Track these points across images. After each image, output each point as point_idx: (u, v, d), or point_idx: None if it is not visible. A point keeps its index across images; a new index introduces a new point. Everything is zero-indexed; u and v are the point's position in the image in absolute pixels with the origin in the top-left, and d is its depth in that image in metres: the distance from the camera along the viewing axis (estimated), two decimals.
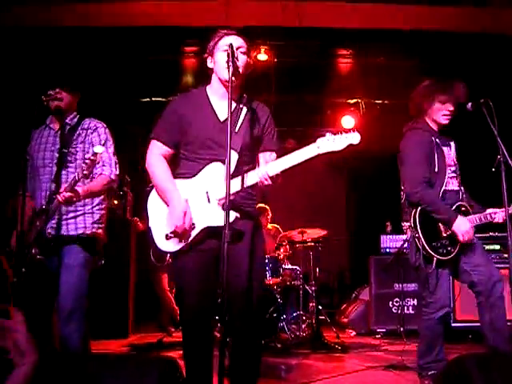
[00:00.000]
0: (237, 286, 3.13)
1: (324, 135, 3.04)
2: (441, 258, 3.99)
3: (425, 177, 4.04)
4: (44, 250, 3.64)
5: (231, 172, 3.06)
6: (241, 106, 3.35)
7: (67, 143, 3.82)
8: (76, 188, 3.55)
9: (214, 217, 3.11)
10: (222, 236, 2.84)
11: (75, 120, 3.96)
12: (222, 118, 3.29)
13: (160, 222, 3.25)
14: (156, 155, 3.34)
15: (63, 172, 3.78)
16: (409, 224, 4.14)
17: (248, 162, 3.30)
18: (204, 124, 3.28)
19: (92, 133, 3.91)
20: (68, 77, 3.99)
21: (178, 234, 3.17)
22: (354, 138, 3.04)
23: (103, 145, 3.86)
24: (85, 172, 3.43)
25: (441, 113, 4.18)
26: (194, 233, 3.18)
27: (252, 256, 3.23)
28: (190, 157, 3.30)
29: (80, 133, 3.89)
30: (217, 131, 3.21)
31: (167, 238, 3.21)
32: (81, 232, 3.81)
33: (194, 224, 3.18)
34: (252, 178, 3.13)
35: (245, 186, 3.14)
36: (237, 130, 3.28)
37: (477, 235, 4.12)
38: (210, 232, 3.14)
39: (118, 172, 3.93)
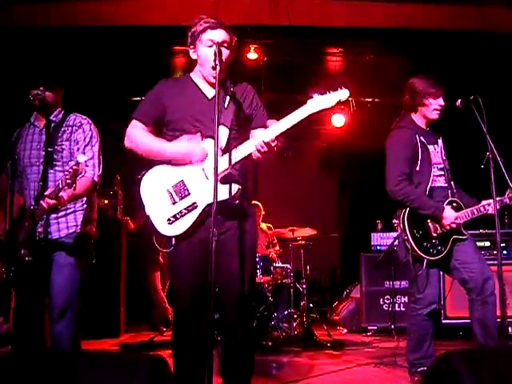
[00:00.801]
0: (227, 277, 3.17)
1: (312, 97, 3.10)
2: (431, 258, 4.01)
3: (404, 173, 4.06)
4: (33, 251, 3.63)
5: (222, 147, 3.13)
6: (226, 85, 3.36)
7: (53, 141, 3.79)
8: (60, 194, 3.51)
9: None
10: (223, 213, 2.97)
11: (60, 116, 3.92)
12: (209, 97, 3.32)
13: (158, 207, 3.23)
14: (135, 129, 3.36)
15: (50, 171, 3.76)
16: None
17: (238, 138, 3.29)
18: (191, 101, 3.31)
19: (77, 130, 3.87)
20: (50, 73, 3.96)
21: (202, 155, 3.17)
22: (343, 94, 3.10)
23: (88, 142, 3.87)
24: (68, 181, 3.37)
25: (432, 108, 4.20)
26: (197, 212, 3.17)
27: (244, 246, 3.24)
28: (178, 136, 3.28)
29: (65, 130, 3.85)
30: (205, 107, 3.22)
31: (169, 221, 3.19)
32: (72, 231, 3.82)
33: (195, 203, 3.17)
34: (246, 148, 3.14)
35: (238, 158, 3.14)
36: (225, 105, 3.27)
37: (468, 232, 4.13)
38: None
39: (100, 172, 3.90)
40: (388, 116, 4.89)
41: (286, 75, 8.52)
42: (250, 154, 3.15)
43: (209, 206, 3.11)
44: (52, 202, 3.48)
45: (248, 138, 3.28)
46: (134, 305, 7.98)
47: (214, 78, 3.05)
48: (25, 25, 7.11)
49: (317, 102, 3.09)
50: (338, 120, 9.24)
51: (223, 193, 3.08)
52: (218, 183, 2.95)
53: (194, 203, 3.17)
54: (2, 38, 7.10)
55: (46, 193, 3.51)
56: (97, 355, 2.22)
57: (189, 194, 3.20)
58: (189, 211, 3.18)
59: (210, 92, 3.33)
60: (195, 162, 3.20)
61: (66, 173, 3.37)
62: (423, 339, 4.11)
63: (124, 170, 7.41)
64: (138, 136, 3.34)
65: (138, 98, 9.00)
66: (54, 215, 3.75)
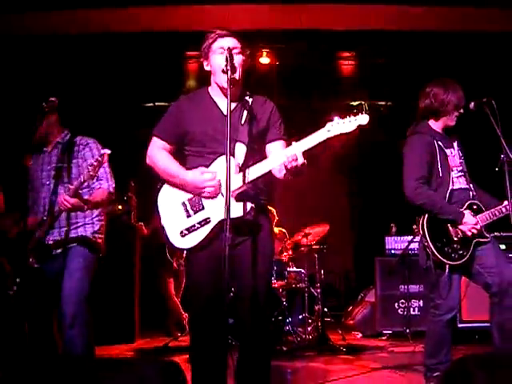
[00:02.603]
0: (244, 285, 3.18)
1: (332, 120, 3.06)
2: (454, 263, 3.95)
3: (423, 177, 4.02)
4: (41, 257, 3.75)
5: (240, 164, 3.13)
6: (245, 99, 3.36)
7: (62, 160, 4.02)
8: (83, 197, 3.74)
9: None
10: (237, 229, 2.95)
11: (67, 138, 4.15)
12: (225, 112, 3.29)
13: (173, 219, 3.25)
14: (157, 149, 3.36)
15: (60, 187, 3.94)
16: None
17: (256, 154, 3.29)
18: (209, 119, 3.30)
19: (84, 148, 4.09)
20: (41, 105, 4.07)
21: (210, 193, 3.16)
22: (363, 119, 3.06)
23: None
24: (91, 173, 3.55)
25: (454, 115, 4.17)
26: (209, 227, 3.17)
27: (260, 254, 3.23)
28: (197, 153, 3.30)
29: (72, 149, 4.07)
30: (222, 125, 3.17)
31: (182, 234, 3.21)
32: (82, 235, 3.95)
33: (209, 218, 3.18)
34: (263, 166, 3.13)
35: (256, 176, 3.13)
36: (242, 122, 3.28)
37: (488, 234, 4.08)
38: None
39: (114, 184, 4.09)
40: (401, 119, 4.87)
41: (299, 79, 8.53)
42: (266, 173, 3.14)
43: (221, 222, 3.12)
44: (71, 200, 3.67)
45: (265, 155, 3.31)
46: (148, 310, 7.99)
47: (225, 89, 3.05)
48: (38, 33, 7.17)
49: (336, 126, 3.05)
50: None
51: (237, 210, 3.06)
52: (233, 200, 2.98)
53: (208, 218, 3.19)
54: (15, 47, 7.17)
55: (64, 191, 3.73)
56: (111, 361, 2.22)
57: (203, 208, 3.21)
58: (201, 226, 3.19)
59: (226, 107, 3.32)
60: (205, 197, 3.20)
61: (89, 167, 3.54)
62: (441, 345, 4.06)
63: (138, 175, 7.45)
64: (157, 157, 3.35)
65: (152, 104, 9.09)
66: (64, 228, 3.90)
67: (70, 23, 7.12)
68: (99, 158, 3.55)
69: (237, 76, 3.17)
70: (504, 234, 6.24)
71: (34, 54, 7.28)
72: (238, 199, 3.10)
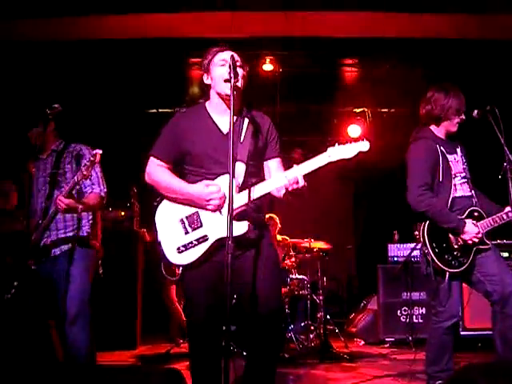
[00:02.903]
0: (250, 298, 3.15)
1: (333, 145, 3.08)
2: (454, 270, 3.94)
3: (427, 184, 4.00)
4: (38, 258, 3.89)
5: (240, 184, 3.14)
6: (242, 117, 3.36)
7: (56, 166, 4.14)
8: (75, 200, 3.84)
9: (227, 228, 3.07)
10: (237, 246, 2.91)
11: (61, 146, 4.27)
12: (224, 131, 3.29)
13: (170, 235, 3.26)
14: (154, 166, 3.37)
15: (56, 192, 4.04)
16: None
17: (255, 172, 3.32)
18: (207, 138, 3.29)
19: (77, 153, 4.19)
20: (39, 114, 4.19)
21: (216, 206, 3.17)
22: (364, 146, 3.08)
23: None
24: (84, 173, 3.63)
25: (455, 121, 4.16)
26: (206, 245, 3.18)
27: (265, 266, 3.23)
28: (197, 172, 3.30)
29: (66, 155, 4.19)
30: (221, 144, 3.19)
31: (179, 251, 3.21)
32: (79, 235, 4.07)
33: (206, 236, 3.19)
34: (264, 187, 3.16)
35: (256, 196, 3.15)
36: (241, 140, 3.28)
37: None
38: (222, 244, 3.09)
39: (106, 190, 4.20)
40: (404, 126, 4.87)
41: (302, 86, 8.53)
42: (267, 194, 3.17)
43: (218, 240, 3.15)
44: (66, 201, 3.74)
45: (262, 172, 3.38)
46: (150, 317, 7.99)
47: (228, 96, 3.06)
48: (40, 40, 7.19)
49: (337, 152, 3.07)
50: (354, 131, 9.23)
51: (237, 229, 3.05)
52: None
53: (205, 236, 3.19)
54: (20, 54, 7.19)
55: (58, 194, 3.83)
56: (114, 368, 2.22)
57: (201, 226, 3.22)
58: (199, 243, 3.20)
59: (224, 124, 3.30)
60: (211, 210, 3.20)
61: (82, 167, 3.63)
62: (443, 352, 4.05)
63: (141, 181, 7.46)
64: (156, 173, 3.36)
65: (155, 111, 9.10)
66: (57, 231, 4.02)
67: (73, 29, 7.12)
68: (91, 158, 3.62)
69: (239, 83, 3.18)
70: (507, 242, 6.24)
71: (37, 60, 7.29)
72: (238, 218, 3.09)
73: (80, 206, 3.85)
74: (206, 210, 3.19)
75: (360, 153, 3.09)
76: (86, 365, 3.59)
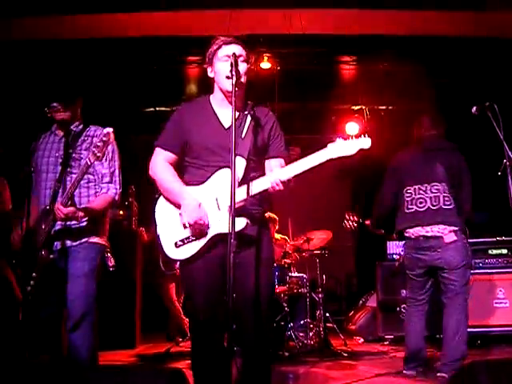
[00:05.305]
0: (245, 294, 3.14)
1: (334, 141, 3.04)
2: None
3: None
4: (49, 246, 3.67)
5: (239, 179, 3.10)
6: (245, 112, 3.33)
7: (72, 148, 3.82)
8: (78, 214, 3.62)
9: (224, 224, 3.04)
10: (237, 240, 2.86)
11: (80, 127, 3.95)
12: (226, 126, 3.28)
13: (169, 229, 3.25)
14: (160, 161, 3.34)
15: (67, 177, 3.74)
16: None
17: (255, 168, 3.29)
18: (209, 131, 3.28)
19: (92, 135, 3.89)
20: (68, 90, 3.97)
21: (194, 230, 3.14)
22: (365, 143, 3.05)
23: (112, 157, 3.90)
24: (98, 154, 3.40)
25: None
26: (204, 240, 3.17)
27: (260, 263, 3.21)
28: (196, 164, 3.29)
29: (84, 139, 3.88)
30: (222, 138, 3.18)
31: (176, 245, 3.20)
32: (84, 240, 3.82)
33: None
34: (262, 184, 3.12)
35: (254, 192, 3.13)
36: (243, 136, 3.26)
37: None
38: (220, 239, 3.13)
39: (120, 190, 3.94)
40: (402, 124, 4.87)
41: (300, 84, 8.53)
42: (265, 190, 3.13)
43: (216, 236, 3.13)
44: (65, 210, 3.54)
45: (264, 169, 3.33)
46: (149, 316, 7.98)
47: (230, 93, 3.04)
48: (37, 38, 7.18)
49: (338, 148, 3.04)
50: (352, 128, 9.23)
51: (236, 225, 2.99)
52: (228, 215, 2.94)
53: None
54: (19, 52, 7.17)
55: (60, 199, 3.58)
56: (117, 368, 2.21)
57: None
58: (196, 238, 3.18)
59: (227, 119, 3.29)
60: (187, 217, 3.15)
61: (94, 149, 3.39)
62: None
63: (138, 181, 7.45)
64: (161, 171, 3.32)
65: (152, 109, 9.09)
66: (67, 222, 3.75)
67: (71, 28, 7.11)
68: (104, 138, 3.39)
69: (242, 79, 3.17)
70: (506, 239, 6.23)
71: (34, 58, 7.28)
72: (237, 214, 3.04)
73: (81, 214, 3.65)
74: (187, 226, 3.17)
75: (361, 150, 3.06)
76: (89, 365, 3.53)
